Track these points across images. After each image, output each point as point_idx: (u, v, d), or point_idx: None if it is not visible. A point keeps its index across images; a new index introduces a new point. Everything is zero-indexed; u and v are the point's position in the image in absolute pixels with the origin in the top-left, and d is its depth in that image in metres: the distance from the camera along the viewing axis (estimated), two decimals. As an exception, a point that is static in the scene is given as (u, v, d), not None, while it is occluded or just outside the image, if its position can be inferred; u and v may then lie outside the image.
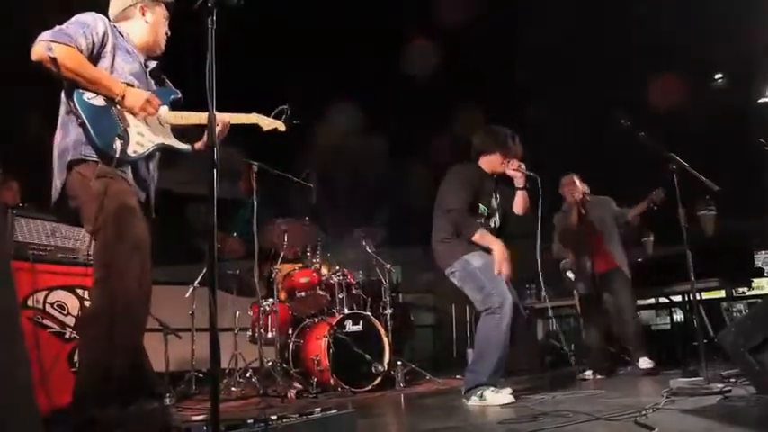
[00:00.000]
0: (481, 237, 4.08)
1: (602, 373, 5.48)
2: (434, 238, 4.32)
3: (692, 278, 3.98)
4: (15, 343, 1.11)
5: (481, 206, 4.27)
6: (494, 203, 4.38)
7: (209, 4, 2.14)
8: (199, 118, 3.06)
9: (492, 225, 4.33)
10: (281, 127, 3.42)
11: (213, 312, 1.89)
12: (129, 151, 2.77)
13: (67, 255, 4.06)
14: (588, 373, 5.49)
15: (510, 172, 4.34)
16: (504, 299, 3.89)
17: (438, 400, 4.33)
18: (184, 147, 3.06)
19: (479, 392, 3.79)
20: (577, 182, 6.03)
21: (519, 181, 4.34)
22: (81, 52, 2.73)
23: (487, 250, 4.08)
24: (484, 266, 4.04)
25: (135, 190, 2.86)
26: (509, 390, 3.86)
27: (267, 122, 3.37)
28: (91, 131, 2.67)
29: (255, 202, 4.97)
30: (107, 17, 2.99)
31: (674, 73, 8.05)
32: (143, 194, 2.94)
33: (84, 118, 2.67)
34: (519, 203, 4.38)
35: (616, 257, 5.72)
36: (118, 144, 2.68)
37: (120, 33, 3.01)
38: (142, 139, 2.85)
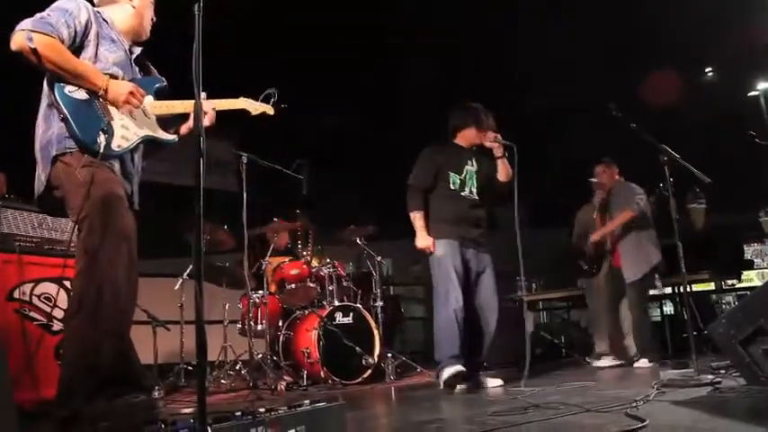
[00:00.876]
0: (415, 219, 4.45)
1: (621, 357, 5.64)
2: None
3: (683, 270, 3.98)
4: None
5: (451, 175, 4.50)
6: (467, 171, 4.56)
7: (196, -10, 2.10)
8: (184, 106, 3.00)
9: (468, 191, 4.54)
10: (270, 111, 3.39)
11: (200, 304, 1.86)
12: (114, 146, 2.70)
13: (54, 246, 4.01)
14: (604, 361, 5.65)
15: (487, 144, 4.57)
16: (448, 294, 4.27)
17: (428, 393, 4.32)
18: (170, 138, 3.01)
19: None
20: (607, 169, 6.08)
21: (497, 151, 4.58)
22: (63, 42, 2.64)
23: (451, 235, 4.39)
24: (442, 255, 4.37)
25: (121, 180, 2.81)
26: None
27: (255, 107, 3.33)
28: (74, 126, 2.60)
29: (245, 194, 4.94)
30: (90, 2, 2.92)
31: (666, 67, 8.06)
32: (129, 186, 2.89)
33: (67, 113, 2.60)
34: (501, 171, 4.60)
35: (623, 255, 5.71)
36: (102, 139, 2.61)
37: (105, 20, 2.92)
38: (127, 132, 2.78)
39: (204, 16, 2.10)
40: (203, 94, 2.92)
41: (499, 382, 4.33)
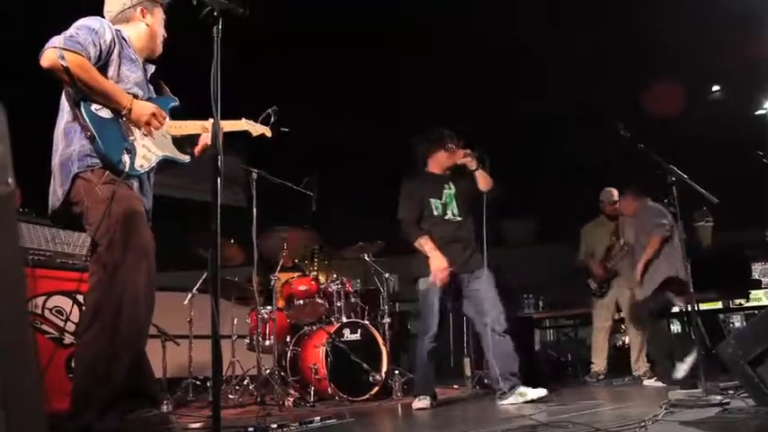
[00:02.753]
0: (423, 244, 4.48)
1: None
2: None
3: (691, 289, 3.99)
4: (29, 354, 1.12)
5: (432, 201, 4.62)
6: (446, 195, 4.67)
7: (216, 14, 2.15)
8: (195, 127, 3.03)
9: (451, 215, 4.63)
10: (268, 133, 3.41)
11: (215, 320, 1.89)
12: (137, 165, 2.74)
13: (67, 260, 4.05)
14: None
15: (459, 162, 4.66)
16: (426, 329, 4.49)
17: (435, 410, 4.32)
18: (185, 158, 3.05)
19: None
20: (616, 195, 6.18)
21: (471, 165, 4.63)
22: (90, 60, 2.68)
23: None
24: (425, 292, 4.51)
25: (140, 198, 2.85)
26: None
27: (256, 129, 3.36)
28: (101, 145, 2.64)
29: (255, 210, 4.97)
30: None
31: (673, 84, 8.09)
32: (147, 203, 2.93)
33: (94, 131, 2.63)
34: (481, 182, 4.63)
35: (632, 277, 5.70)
36: (127, 159, 2.65)
37: (124, 38, 2.95)
38: (147, 152, 2.82)
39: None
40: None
41: (542, 392, 4.25)
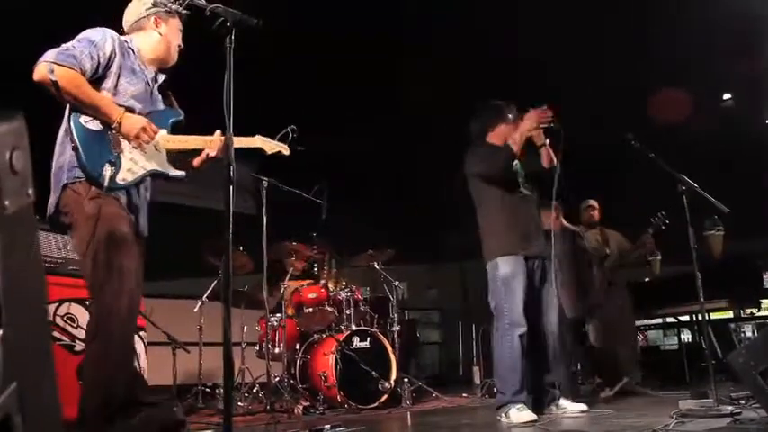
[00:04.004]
0: (513, 140, 3.98)
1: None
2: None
3: (701, 298, 3.97)
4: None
5: (515, 163, 4.12)
6: (517, 166, 4.16)
7: (229, 25, 2.17)
8: (197, 142, 3.00)
9: (525, 190, 4.16)
10: (285, 150, 3.29)
11: (227, 328, 1.91)
12: (119, 179, 2.71)
13: (78, 267, 4.08)
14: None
15: (534, 131, 4.09)
16: (513, 323, 3.83)
17: (444, 419, 4.32)
18: (178, 173, 2.99)
19: (505, 411, 3.75)
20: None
21: (537, 139, 4.15)
22: (85, 74, 2.68)
23: (520, 249, 3.95)
24: (508, 277, 3.90)
25: (126, 214, 2.82)
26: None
27: (271, 146, 3.26)
28: (82, 156, 2.63)
29: (265, 218, 5.00)
30: (120, 32, 2.97)
31: (684, 92, 8.06)
32: (134, 218, 2.89)
33: (78, 142, 2.63)
34: (544, 158, 4.18)
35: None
36: (108, 171, 2.63)
37: (131, 48, 2.96)
38: (134, 166, 2.79)
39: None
40: (217, 132, 2.97)
41: (582, 407, 4.00)
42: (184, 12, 3.07)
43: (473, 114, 4.42)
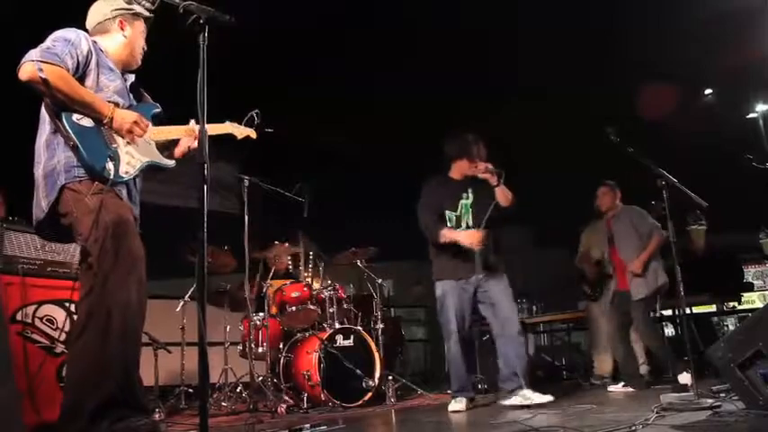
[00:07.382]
0: (447, 234, 4.54)
1: (636, 386, 5.33)
2: None
3: (682, 293, 4.00)
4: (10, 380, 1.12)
5: (447, 214, 4.67)
6: (462, 206, 4.68)
7: (202, 22, 2.15)
8: (178, 132, 3.05)
9: (465, 226, 4.65)
10: (252, 134, 3.41)
11: (202, 327, 1.89)
12: (121, 172, 2.75)
13: (57, 269, 4.05)
14: (618, 386, 5.45)
15: (479, 176, 4.59)
16: (449, 333, 4.58)
17: (429, 415, 4.31)
18: (170, 163, 3.06)
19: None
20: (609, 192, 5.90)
21: (491, 180, 4.54)
22: (68, 72, 2.67)
23: (452, 275, 4.61)
24: (442, 295, 4.65)
25: (129, 205, 2.85)
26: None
27: (240, 131, 3.35)
28: (83, 154, 2.64)
29: (247, 217, 4.97)
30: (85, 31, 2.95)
31: (665, 87, 8.12)
32: (136, 210, 2.94)
33: (76, 140, 2.63)
34: (500, 198, 4.57)
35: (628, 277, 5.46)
36: (111, 166, 2.66)
37: (101, 49, 2.94)
38: (132, 159, 2.82)
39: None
40: (191, 121, 3.00)
41: (548, 398, 4.27)
42: (149, 15, 3.06)
43: (448, 136, 4.86)
